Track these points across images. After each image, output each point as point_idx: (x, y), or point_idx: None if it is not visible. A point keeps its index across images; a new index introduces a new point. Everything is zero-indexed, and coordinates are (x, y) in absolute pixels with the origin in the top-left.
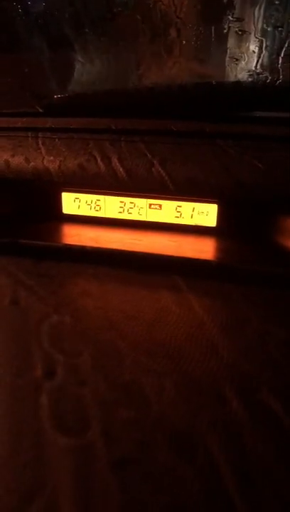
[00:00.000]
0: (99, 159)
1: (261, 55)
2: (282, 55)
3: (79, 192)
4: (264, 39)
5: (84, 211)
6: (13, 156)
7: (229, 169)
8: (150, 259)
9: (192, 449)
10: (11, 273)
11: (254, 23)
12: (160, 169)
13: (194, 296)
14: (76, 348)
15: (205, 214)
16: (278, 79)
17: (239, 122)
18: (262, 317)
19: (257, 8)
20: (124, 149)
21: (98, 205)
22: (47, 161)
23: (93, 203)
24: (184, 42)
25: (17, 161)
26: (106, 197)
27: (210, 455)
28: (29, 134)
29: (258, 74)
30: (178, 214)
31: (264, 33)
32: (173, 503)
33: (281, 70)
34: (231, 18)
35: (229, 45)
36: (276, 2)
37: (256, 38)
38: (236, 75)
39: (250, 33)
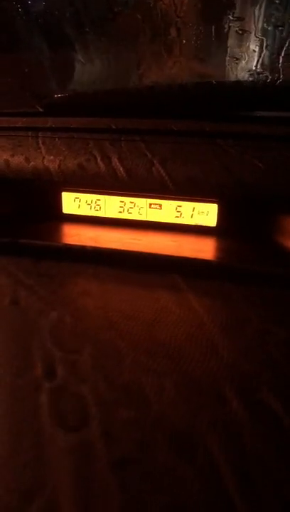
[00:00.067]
0: (99, 159)
1: (262, 55)
2: (282, 54)
3: (79, 192)
4: (264, 38)
5: (85, 211)
6: (13, 155)
7: (229, 169)
8: (150, 259)
9: (192, 449)
10: (11, 273)
11: (254, 23)
12: (160, 169)
13: (194, 296)
14: (76, 347)
15: (205, 214)
16: (278, 78)
17: (240, 122)
18: (262, 317)
19: (258, 8)
20: (124, 149)
21: (98, 205)
22: (48, 160)
23: (93, 202)
24: (184, 41)
25: (17, 160)
26: (107, 197)
27: (210, 455)
28: (29, 133)
29: (258, 73)
30: (178, 214)
31: (264, 32)
32: (173, 503)
33: (281, 70)
34: (231, 18)
35: (229, 45)
36: (277, 1)
37: (256, 37)
38: (236, 75)
39: (250, 33)
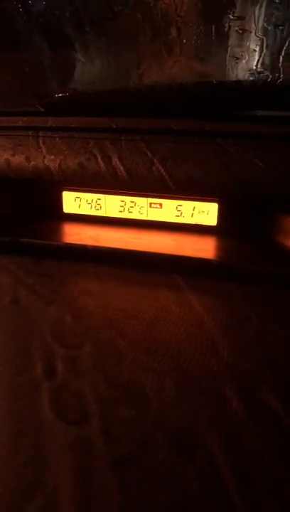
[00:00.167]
0: (99, 158)
1: (262, 54)
2: (283, 53)
3: (79, 191)
4: (264, 38)
5: (85, 210)
6: (13, 155)
7: (229, 168)
8: (150, 258)
9: (193, 448)
10: (12, 272)
11: (254, 22)
12: (160, 168)
13: (194, 295)
14: (76, 346)
15: (206, 213)
16: (278, 78)
17: (240, 121)
18: (262, 316)
19: (258, 7)
20: (124, 148)
21: (98, 204)
22: (48, 160)
23: (94, 202)
24: (184, 41)
25: (17, 160)
26: (107, 196)
27: (210, 454)
28: (30, 133)
29: (259, 73)
30: (179, 213)
31: (264, 31)
32: (173, 502)
33: (281, 69)
34: (231, 17)
35: (229, 44)
36: (277, 1)
37: (256, 36)
38: (236, 74)
39: (251, 32)
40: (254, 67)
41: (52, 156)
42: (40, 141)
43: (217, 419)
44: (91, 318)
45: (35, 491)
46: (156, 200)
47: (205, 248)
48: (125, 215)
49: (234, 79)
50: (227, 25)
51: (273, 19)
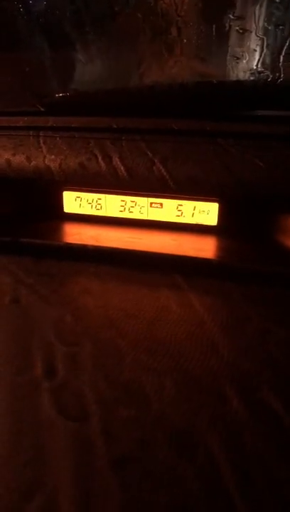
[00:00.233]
0: (100, 158)
1: (262, 54)
2: (283, 53)
3: (80, 191)
4: (265, 37)
5: (86, 210)
6: (14, 155)
7: (230, 168)
8: (151, 258)
9: (193, 448)
10: (12, 272)
11: (255, 22)
12: (161, 168)
13: (194, 295)
14: (76, 346)
15: (206, 213)
16: (279, 77)
17: (240, 121)
18: (262, 316)
19: (258, 7)
20: (124, 148)
21: (99, 204)
22: (49, 159)
23: (94, 201)
24: (185, 40)
25: (18, 159)
26: (108, 196)
27: (211, 454)
28: (30, 132)
29: (259, 72)
30: (179, 213)
31: (265, 31)
32: (173, 502)
33: (282, 69)
34: (232, 17)
35: (230, 44)
36: (277, 0)
37: (257, 36)
38: (237, 74)
39: (251, 32)
40: (255, 67)
41: (53, 156)
42: (41, 141)
43: (218, 419)
44: (91, 317)
45: (35, 491)
46: (156, 199)
47: (205, 248)
48: (125, 214)
49: (234, 79)
50: (227, 24)
51: (273, 19)
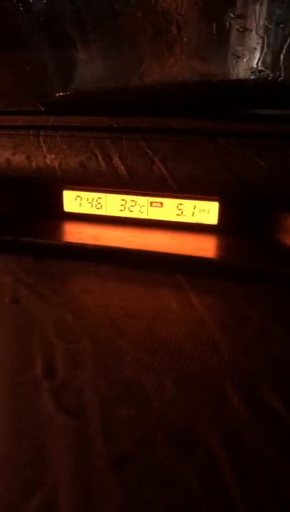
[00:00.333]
0: (100, 157)
1: (263, 53)
2: (284, 52)
3: (80, 190)
4: (265, 36)
5: (86, 209)
6: (14, 154)
7: (230, 167)
8: (151, 257)
9: (193, 447)
10: (12, 271)
11: (255, 20)
12: (161, 167)
13: (195, 294)
14: (77, 346)
15: (207, 212)
16: (279, 76)
17: (241, 120)
18: (263, 315)
19: (259, 5)
20: (125, 147)
21: (99, 203)
22: (49, 159)
23: (94, 201)
24: (185, 39)
25: (18, 159)
26: (108, 195)
27: (211, 453)
28: (30, 132)
29: (259, 71)
30: (179, 212)
31: (265, 30)
32: (173, 501)
33: (282, 68)
34: (232, 15)
35: (230, 43)
36: None
37: (257, 35)
38: (237, 73)
39: (252, 30)
40: (255, 66)
41: (53, 155)
42: (41, 140)
43: (218, 418)
44: (91, 317)
45: (35, 491)
46: (156, 199)
47: (205, 247)
48: (126, 214)
49: (235, 77)
50: (227, 23)
51: (274, 17)
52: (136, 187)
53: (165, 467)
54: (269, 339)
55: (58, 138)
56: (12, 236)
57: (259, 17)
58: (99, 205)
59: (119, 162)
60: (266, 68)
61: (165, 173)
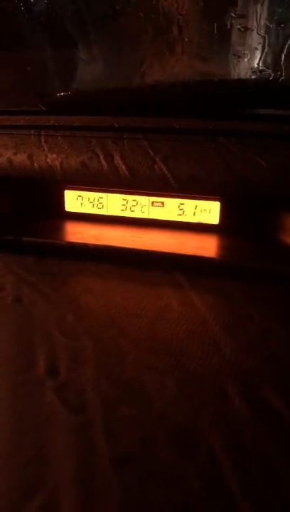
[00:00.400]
0: (101, 157)
1: (264, 52)
2: (285, 52)
3: (81, 190)
4: (266, 36)
5: (87, 209)
6: (15, 153)
7: (231, 167)
8: (152, 257)
9: (194, 447)
10: (14, 271)
11: (256, 20)
12: (162, 167)
13: (196, 294)
14: (78, 345)
15: (208, 211)
16: (280, 76)
17: (242, 120)
18: (264, 315)
19: (260, 5)
20: (126, 147)
21: (100, 203)
22: (50, 158)
23: (96, 200)
24: (186, 39)
25: (20, 158)
26: (109, 194)
27: (212, 453)
28: (32, 131)
29: (261, 71)
30: (181, 211)
31: (266, 29)
32: (174, 501)
33: (283, 67)
34: (233, 15)
35: (231, 43)
36: None
37: (258, 34)
38: (238, 73)
39: (253, 30)
40: (256, 66)
41: (54, 155)
42: (42, 140)
43: (219, 418)
44: (93, 316)
45: (36, 490)
46: (158, 198)
47: (207, 247)
48: (127, 213)
49: (236, 77)
50: (228, 23)
51: (275, 17)
52: (138, 187)
53: (167, 467)
54: (271, 339)
55: (60, 138)
56: (13, 236)
57: (260, 17)
58: (100, 205)
59: (120, 162)
60: (267, 68)
61: (166, 172)
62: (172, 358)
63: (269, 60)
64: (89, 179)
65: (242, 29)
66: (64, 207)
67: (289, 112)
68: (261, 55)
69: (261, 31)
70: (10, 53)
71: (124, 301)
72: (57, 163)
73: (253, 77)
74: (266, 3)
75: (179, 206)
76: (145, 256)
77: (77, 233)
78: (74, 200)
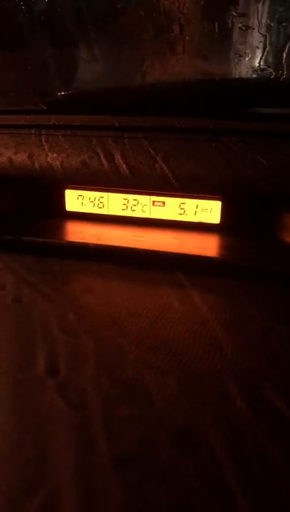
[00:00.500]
0: (102, 156)
1: (265, 51)
2: (286, 50)
3: (82, 189)
4: (267, 35)
5: (88, 208)
6: (16, 153)
7: (232, 166)
8: (153, 256)
9: (195, 446)
10: (14, 270)
11: (257, 19)
12: (163, 166)
13: (197, 293)
14: (79, 345)
15: (209, 211)
16: (282, 75)
17: (243, 119)
18: (265, 314)
19: (261, 4)
20: (127, 146)
21: (101, 202)
22: (51, 158)
23: (96, 200)
24: (187, 38)
25: (20, 158)
26: (110, 194)
27: (213, 452)
28: (32, 131)
29: (262, 70)
30: (182, 211)
31: (267, 28)
32: (175, 500)
33: (284, 66)
34: (234, 14)
35: (232, 41)
36: None
37: (260, 33)
38: (239, 72)
39: (254, 29)
40: (257, 65)
41: (55, 154)
42: (43, 139)
43: (220, 417)
44: (94, 316)
45: (37, 489)
46: (158, 198)
47: (208, 246)
48: (128, 213)
49: (237, 76)
50: (230, 22)
51: (276, 16)
52: (139, 186)
53: (167, 466)
54: (272, 338)
55: (60, 137)
56: (14, 235)
57: (261, 15)
58: (101, 205)
59: (121, 161)
60: (269, 67)
61: (167, 171)
62: (173, 358)
63: (270, 58)
64: (89, 178)
65: (243, 28)
66: (64, 206)
67: None
68: (263, 53)
69: (263, 30)
70: (10, 53)
71: (125, 300)
72: (57, 162)
73: (254, 76)
74: (267, 2)
75: (180, 205)
76: (146, 255)
77: (77, 233)
78: (75, 200)
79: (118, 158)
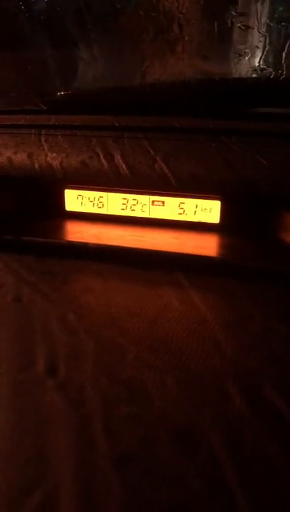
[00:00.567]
0: (101, 156)
1: (265, 51)
2: (286, 50)
3: (82, 189)
4: (267, 34)
5: (87, 208)
6: (15, 153)
7: (232, 165)
8: (152, 256)
9: (195, 446)
10: (14, 270)
11: (257, 18)
12: (163, 166)
13: (196, 293)
14: (79, 344)
15: (208, 210)
16: (281, 75)
17: (243, 119)
18: (265, 314)
19: (260, 3)
20: (126, 146)
21: (101, 202)
22: (50, 157)
23: (96, 199)
24: (187, 38)
25: (20, 158)
26: (109, 194)
27: (213, 452)
28: (32, 131)
29: (261, 70)
30: (181, 211)
31: (267, 28)
32: (174, 500)
33: (284, 66)
34: (234, 13)
35: (232, 41)
36: None
37: (259, 33)
38: (239, 71)
39: (253, 29)
40: (257, 64)
41: (55, 154)
42: (43, 139)
43: (220, 417)
44: (93, 316)
45: (37, 488)
46: (158, 197)
47: (207, 246)
48: (127, 212)
49: (236, 76)
50: (229, 21)
51: (276, 15)
52: (138, 186)
53: (167, 466)
54: (272, 338)
55: (60, 137)
56: (14, 235)
57: (261, 15)
58: (100, 204)
59: (120, 161)
60: (268, 66)
61: (167, 171)
62: (172, 357)
63: (269, 58)
64: (89, 178)
65: (243, 27)
66: (64, 206)
67: None
68: (262, 53)
69: (262, 29)
70: (10, 53)
71: (125, 300)
72: (57, 162)
73: (254, 75)
74: (267, 1)
75: (180, 205)
76: (145, 255)
77: (77, 232)
78: (75, 200)
79: (118, 158)
